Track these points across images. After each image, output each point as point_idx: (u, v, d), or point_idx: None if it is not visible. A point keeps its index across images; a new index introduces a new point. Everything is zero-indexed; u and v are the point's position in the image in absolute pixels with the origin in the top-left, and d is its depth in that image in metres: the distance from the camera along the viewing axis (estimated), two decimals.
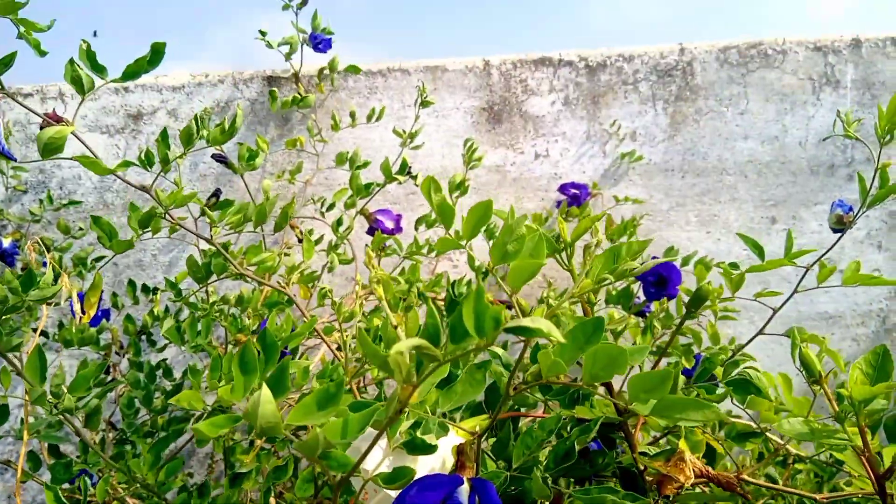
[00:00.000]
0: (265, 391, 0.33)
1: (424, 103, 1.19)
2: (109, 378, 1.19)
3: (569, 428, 0.54)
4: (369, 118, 1.31)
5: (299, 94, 1.37)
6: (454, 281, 0.90)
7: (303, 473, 0.71)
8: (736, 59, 1.37)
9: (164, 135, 0.73)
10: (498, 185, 1.39)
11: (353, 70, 1.36)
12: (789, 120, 1.37)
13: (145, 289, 1.26)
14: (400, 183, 1.10)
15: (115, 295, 1.27)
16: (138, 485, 0.78)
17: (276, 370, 0.36)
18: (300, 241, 1.28)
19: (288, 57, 1.35)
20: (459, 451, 0.44)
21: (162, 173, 0.78)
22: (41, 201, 1.38)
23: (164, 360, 1.12)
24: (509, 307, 1.17)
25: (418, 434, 0.43)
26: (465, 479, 0.42)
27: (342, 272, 1.36)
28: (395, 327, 0.40)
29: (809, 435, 0.45)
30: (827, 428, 0.46)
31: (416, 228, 1.18)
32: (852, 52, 1.37)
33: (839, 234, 0.85)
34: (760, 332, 0.81)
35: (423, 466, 0.46)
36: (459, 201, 1.26)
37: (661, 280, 1.05)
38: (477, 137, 1.38)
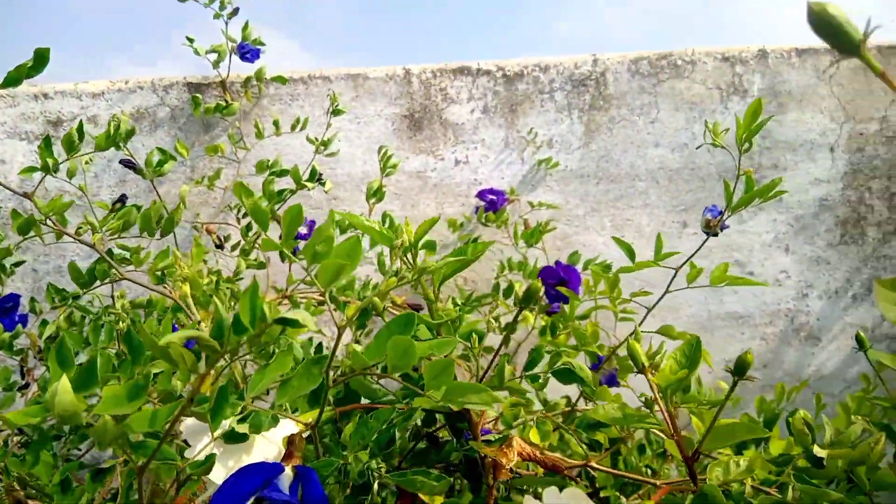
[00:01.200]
0: (63, 381, 0.35)
1: (336, 111, 1.22)
2: (24, 382, 1.18)
3: (419, 420, 0.57)
4: (293, 127, 1.33)
5: (225, 101, 1.39)
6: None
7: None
8: (647, 70, 1.42)
9: (47, 141, 0.74)
10: (419, 191, 1.42)
11: (280, 80, 1.38)
12: (698, 128, 1.43)
13: (64, 295, 1.26)
14: (309, 189, 1.12)
15: (33, 300, 1.27)
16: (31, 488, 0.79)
17: (86, 364, 0.38)
18: (218, 245, 1.30)
19: (216, 65, 1.37)
20: (289, 441, 0.47)
21: (57, 176, 0.79)
22: None
23: (81, 364, 1.12)
24: (418, 309, 1.20)
25: (248, 425, 0.46)
26: (287, 466, 0.45)
27: (258, 276, 1.38)
28: (200, 322, 0.42)
29: (622, 419, 0.49)
30: (638, 412, 0.50)
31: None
32: (759, 62, 1.44)
33: (711, 236, 0.90)
34: (633, 332, 0.85)
35: (258, 457, 0.48)
36: (380, 206, 1.29)
37: (561, 282, 1.10)
38: (398, 144, 1.41)
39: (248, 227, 1.10)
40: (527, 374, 0.56)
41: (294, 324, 0.34)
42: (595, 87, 1.42)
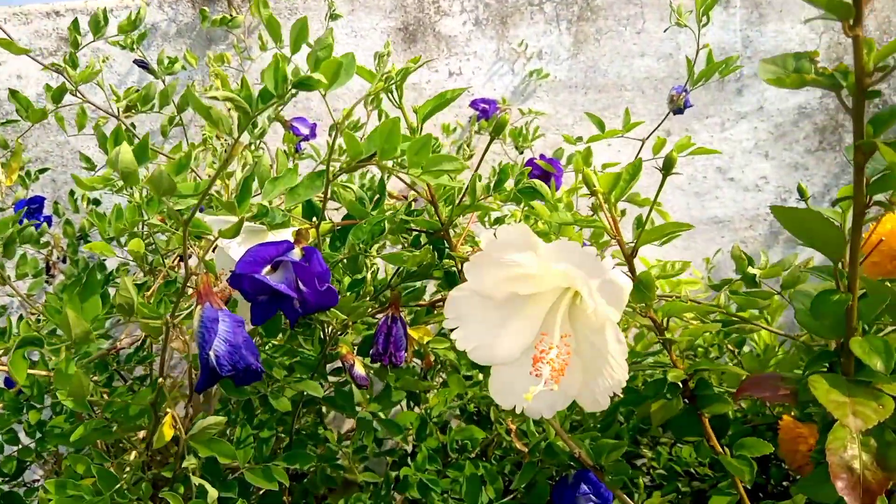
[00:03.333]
0: (125, 146, 0.44)
1: (333, 16, 1.28)
2: (49, 273, 1.28)
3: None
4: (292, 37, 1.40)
5: (229, 14, 1.45)
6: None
7: None
8: None
9: (75, 23, 0.82)
10: (415, 101, 1.49)
11: None
12: (682, 38, 1.48)
13: (87, 199, 1.34)
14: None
15: (56, 203, 1.35)
16: None
17: (140, 141, 0.47)
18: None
19: None
20: (297, 232, 0.56)
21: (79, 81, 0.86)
22: None
23: (102, 260, 1.22)
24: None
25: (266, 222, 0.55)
26: (297, 246, 0.54)
27: None
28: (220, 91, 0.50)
29: (573, 223, 0.57)
30: (587, 217, 0.58)
31: (330, 134, 1.28)
32: None
33: (677, 113, 0.97)
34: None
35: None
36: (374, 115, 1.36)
37: (545, 174, 1.17)
38: (394, 56, 1.47)
39: (254, 125, 1.18)
40: (495, 191, 0.64)
41: (313, 82, 0.42)
42: None
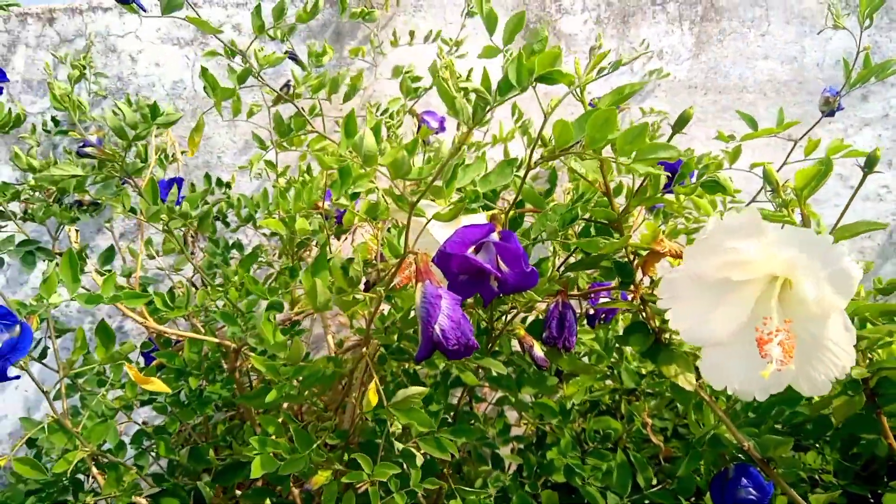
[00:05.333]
0: (368, 133, 0.48)
1: (471, 13, 1.32)
2: (190, 251, 1.36)
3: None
4: (426, 39, 1.44)
5: (367, 7, 1.51)
6: None
7: None
8: None
9: (257, 9, 0.88)
10: (532, 99, 1.51)
11: None
12: (808, 42, 1.45)
13: (219, 182, 1.42)
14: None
15: (192, 185, 1.44)
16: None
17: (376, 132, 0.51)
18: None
19: None
20: (492, 217, 0.59)
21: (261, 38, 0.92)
22: (117, 104, 1.54)
23: (238, 240, 1.30)
24: None
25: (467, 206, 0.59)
26: (496, 228, 0.57)
27: None
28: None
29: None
30: (778, 214, 0.59)
31: (458, 129, 1.32)
32: None
33: (829, 115, 0.96)
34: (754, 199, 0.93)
35: None
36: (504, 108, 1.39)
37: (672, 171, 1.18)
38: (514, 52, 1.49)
39: (391, 116, 1.23)
40: (677, 184, 0.66)
41: (557, 75, 0.45)
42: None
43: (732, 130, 1.51)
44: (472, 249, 0.58)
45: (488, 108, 0.50)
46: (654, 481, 0.77)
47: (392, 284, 0.61)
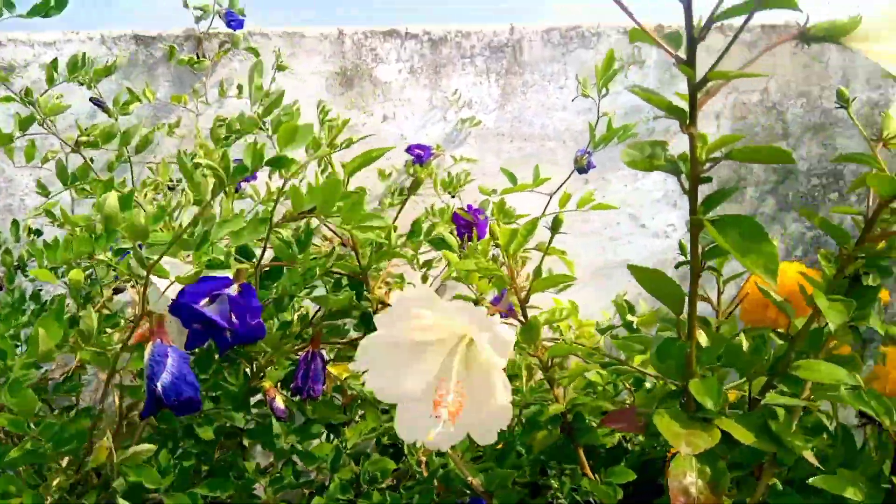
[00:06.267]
0: (112, 195, 0.50)
1: (280, 67, 1.35)
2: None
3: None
4: (240, 88, 1.45)
5: (198, 55, 1.50)
6: None
7: None
8: (558, 40, 1.59)
9: (54, 63, 0.87)
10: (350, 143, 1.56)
11: (254, 52, 1.50)
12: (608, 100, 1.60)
13: (30, 230, 1.36)
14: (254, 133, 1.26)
15: None
16: None
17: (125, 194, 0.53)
18: (169, 188, 1.42)
19: (198, 20, 1.49)
20: (237, 271, 0.62)
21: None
22: None
23: (39, 289, 1.24)
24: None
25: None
26: (235, 282, 0.60)
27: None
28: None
29: (476, 270, 0.65)
30: (489, 265, 0.66)
31: (270, 177, 1.34)
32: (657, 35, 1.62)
33: (582, 172, 1.07)
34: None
35: None
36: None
37: (469, 224, 1.26)
38: (331, 99, 1.54)
39: (196, 165, 1.23)
40: (409, 239, 0.72)
41: (284, 161, 0.49)
42: (511, 53, 1.58)
43: (539, 176, 1.63)
44: (206, 301, 0.60)
45: (224, 186, 0.53)
46: None
47: (129, 341, 0.63)
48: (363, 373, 0.55)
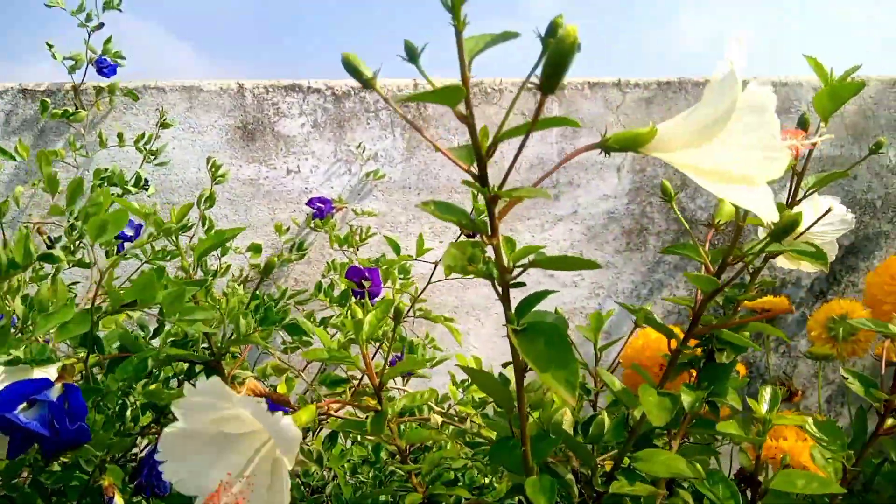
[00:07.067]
0: None
1: (164, 125, 1.32)
2: None
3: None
4: (136, 141, 1.41)
5: (76, 106, 1.45)
6: None
7: None
8: None
9: None
10: (252, 197, 1.53)
11: (132, 96, 1.45)
12: (505, 148, 1.62)
13: None
14: (134, 194, 1.21)
15: None
16: None
17: None
18: (48, 245, 1.35)
19: (72, 71, 1.44)
20: (63, 367, 0.58)
21: None
22: None
23: None
24: None
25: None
26: (57, 383, 0.56)
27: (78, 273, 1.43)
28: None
29: (328, 358, 0.63)
30: (341, 352, 0.64)
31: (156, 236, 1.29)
32: (559, 92, 1.66)
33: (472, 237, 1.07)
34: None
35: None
36: (211, 211, 1.39)
37: (364, 280, 1.25)
38: (232, 153, 1.51)
39: (73, 227, 1.17)
40: (263, 326, 0.69)
41: (54, 259, 0.46)
42: (416, 107, 1.59)
43: (444, 227, 1.64)
44: (23, 406, 0.56)
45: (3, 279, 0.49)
46: None
47: None
48: (161, 464, 0.52)
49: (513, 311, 0.50)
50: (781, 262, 0.74)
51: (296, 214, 1.55)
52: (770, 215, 0.44)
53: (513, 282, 0.50)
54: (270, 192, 1.54)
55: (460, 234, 1.22)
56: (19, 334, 0.62)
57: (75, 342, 0.66)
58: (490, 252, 0.52)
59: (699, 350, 0.71)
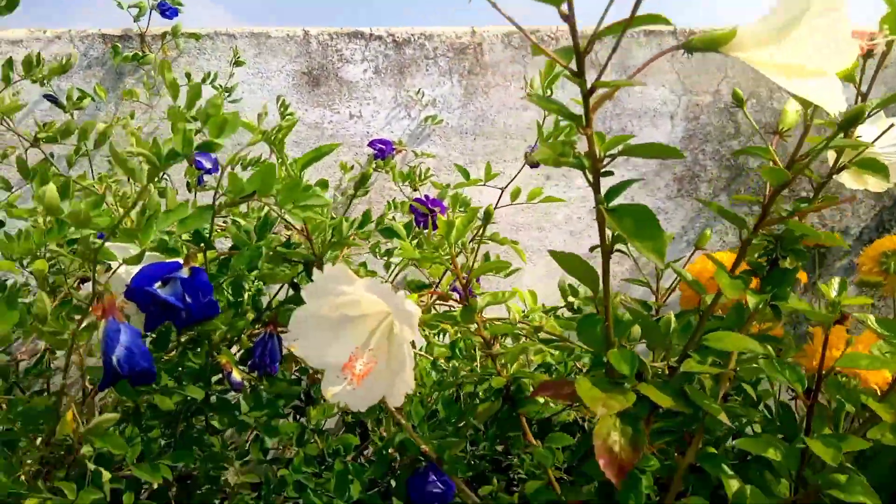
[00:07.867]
0: (51, 186, 0.54)
1: (238, 63, 1.40)
2: None
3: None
4: (204, 80, 1.49)
5: (141, 51, 1.53)
6: None
7: None
8: (518, 43, 1.65)
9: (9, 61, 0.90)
10: (317, 140, 1.61)
11: (194, 37, 1.53)
12: (559, 94, 1.66)
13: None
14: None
15: None
16: None
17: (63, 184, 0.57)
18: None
19: (137, 18, 1.52)
20: (187, 255, 0.66)
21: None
22: None
23: (5, 279, 1.27)
24: None
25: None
26: (185, 266, 0.65)
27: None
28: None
29: (420, 259, 0.70)
30: (433, 254, 0.71)
31: (227, 166, 1.38)
32: (611, 39, 1.69)
33: (534, 166, 1.13)
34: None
35: None
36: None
37: (425, 215, 1.32)
38: (298, 97, 1.58)
39: None
40: (359, 230, 0.76)
41: (213, 146, 0.54)
42: (473, 55, 1.64)
43: (499, 171, 1.69)
44: (159, 284, 0.64)
45: (158, 171, 0.57)
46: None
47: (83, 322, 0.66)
48: (294, 342, 0.60)
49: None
50: (845, 178, 0.79)
51: (358, 157, 1.62)
52: (838, 104, 0.49)
53: (603, 170, 0.55)
54: (334, 135, 1.61)
55: (521, 168, 1.28)
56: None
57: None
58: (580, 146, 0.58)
59: (763, 259, 0.76)
